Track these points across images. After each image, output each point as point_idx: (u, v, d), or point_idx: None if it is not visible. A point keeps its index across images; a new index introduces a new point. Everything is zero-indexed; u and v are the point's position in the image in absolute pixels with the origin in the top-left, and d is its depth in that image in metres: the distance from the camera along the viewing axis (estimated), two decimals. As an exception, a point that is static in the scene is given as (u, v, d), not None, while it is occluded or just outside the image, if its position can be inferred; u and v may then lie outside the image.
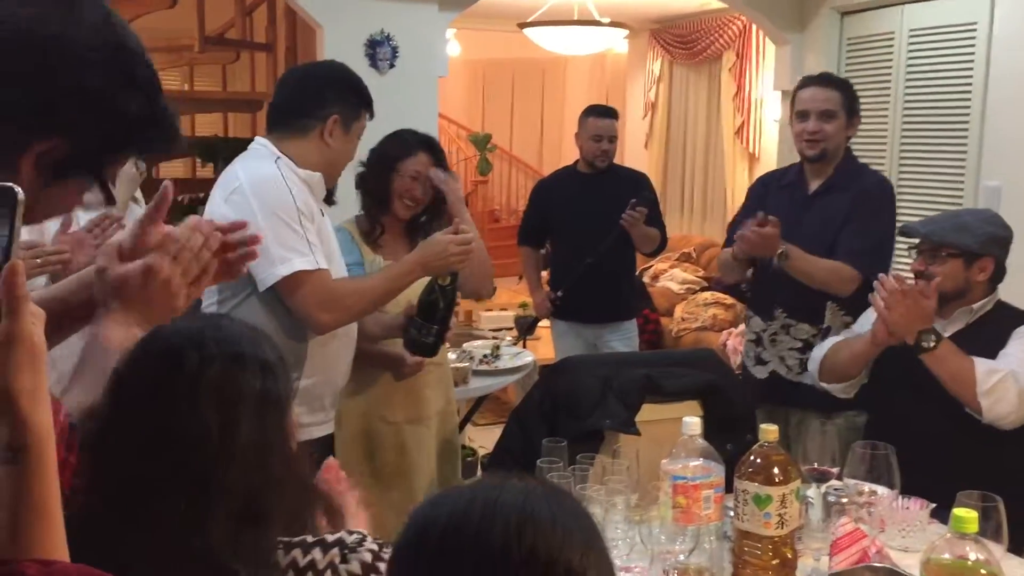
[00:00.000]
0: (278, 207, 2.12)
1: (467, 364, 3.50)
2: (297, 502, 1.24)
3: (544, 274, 4.38)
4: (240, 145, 2.39)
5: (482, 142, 9.59)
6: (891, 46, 4.28)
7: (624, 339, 4.15)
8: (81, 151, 0.93)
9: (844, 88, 2.95)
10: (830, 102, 2.88)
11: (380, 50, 3.91)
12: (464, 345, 3.77)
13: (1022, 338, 2.36)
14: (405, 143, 2.67)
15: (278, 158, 2.23)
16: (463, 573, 0.85)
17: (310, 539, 1.21)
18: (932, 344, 2.28)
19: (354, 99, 2.30)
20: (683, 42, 7.73)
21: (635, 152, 8.53)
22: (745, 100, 7.01)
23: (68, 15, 0.90)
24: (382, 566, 1.19)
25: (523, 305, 5.20)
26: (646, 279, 6.63)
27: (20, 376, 0.73)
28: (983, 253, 2.38)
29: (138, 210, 3.36)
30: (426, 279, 2.40)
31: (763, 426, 1.84)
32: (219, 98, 5.33)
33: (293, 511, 1.23)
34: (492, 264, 2.94)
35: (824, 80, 2.97)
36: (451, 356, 3.33)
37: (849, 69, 4.56)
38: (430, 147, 2.68)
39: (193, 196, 4.71)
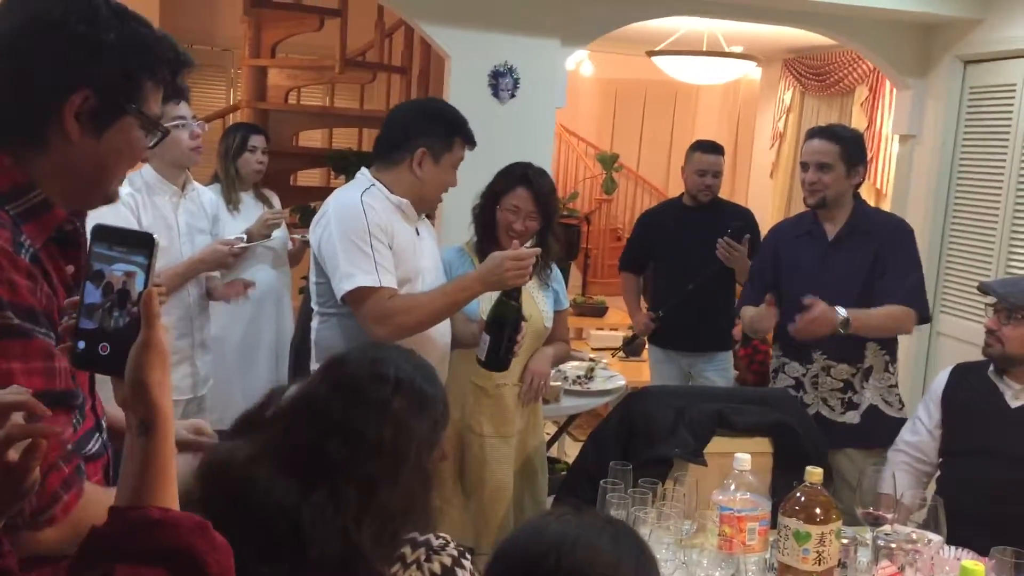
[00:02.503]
0: (351, 230, 2.37)
1: (559, 383, 3.68)
2: (425, 511, 1.44)
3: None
4: (370, 159, 2.63)
5: (609, 161, 9.73)
6: (1012, 99, 4.23)
7: (719, 370, 4.23)
8: (104, 94, 1.18)
9: (843, 140, 3.04)
10: (827, 155, 3.00)
11: (502, 81, 4.14)
12: (559, 365, 3.95)
13: None
14: (506, 178, 2.83)
15: (371, 186, 2.47)
16: None
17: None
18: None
19: (443, 131, 2.48)
20: (816, 73, 7.69)
21: (760, 181, 8.52)
22: (875, 136, 6.94)
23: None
24: (459, 572, 1.39)
25: (631, 326, 5.36)
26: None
27: (153, 372, 0.97)
28: (1058, 320, 2.42)
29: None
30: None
31: (808, 468, 1.98)
32: (355, 115, 5.70)
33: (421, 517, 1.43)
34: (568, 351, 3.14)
35: (825, 133, 3.09)
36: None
37: (970, 119, 4.53)
38: (529, 181, 2.81)
39: (325, 204, 5.07)
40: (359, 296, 2.37)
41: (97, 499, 1.17)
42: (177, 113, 2.94)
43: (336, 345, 2.31)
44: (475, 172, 3.59)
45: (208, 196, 3.34)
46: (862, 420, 3.04)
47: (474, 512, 2.87)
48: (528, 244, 2.85)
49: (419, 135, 2.47)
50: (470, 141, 2.54)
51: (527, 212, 2.80)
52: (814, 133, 3.11)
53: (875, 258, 3.01)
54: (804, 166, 3.06)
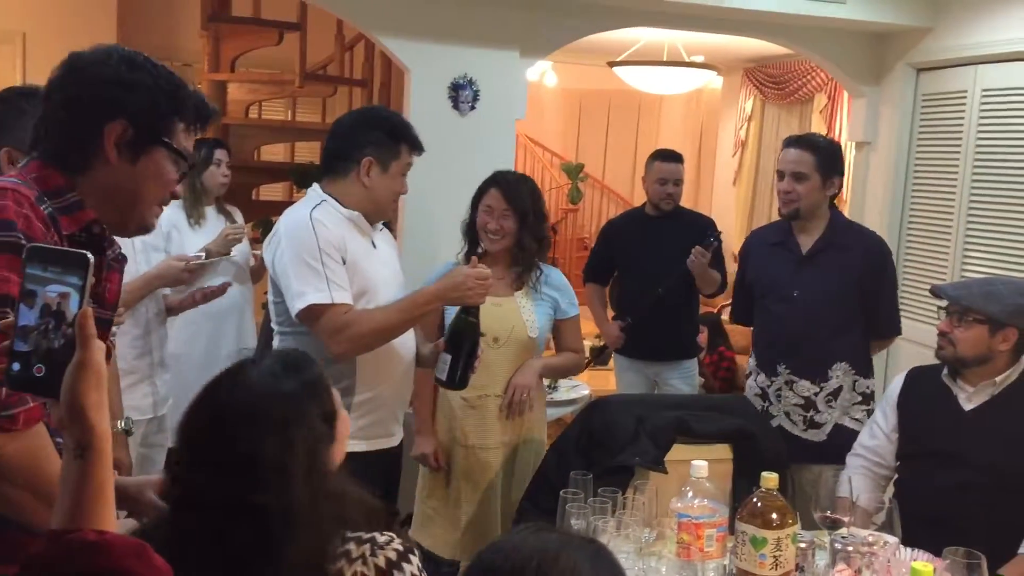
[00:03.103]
0: (301, 248, 2.36)
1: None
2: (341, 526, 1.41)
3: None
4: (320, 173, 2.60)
5: (574, 171, 9.78)
6: (963, 105, 4.30)
7: (684, 377, 4.25)
8: (139, 126, 1.41)
9: (819, 150, 3.01)
10: (802, 164, 2.99)
11: (462, 93, 4.14)
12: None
13: None
14: (482, 185, 2.90)
15: (322, 201, 2.46)
16: None
17: (349, 533, 1.40)
18: None
19: (388, 140, 2.47)
20: (775, 82, 7.79)
21: (723, 189, 8.60)
22: (834, 143, 7.03)
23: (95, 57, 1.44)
24: (405, 566, 1.38)
25: (599, 336, 5.38)
26: (724, 316, 6.70)
27: (88, 393, 0.96)
28: (1008, 323, 2.45)
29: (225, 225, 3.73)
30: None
31: (764, 474, 1.99)
32: (317, 129, 5.67)
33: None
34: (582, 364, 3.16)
35: (802, 142, 3.07)
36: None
37: (923, 125, 4.60)
38: (498, 181, 2.87)
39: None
40: (313, 314, 2.35)
41: (54, 455, 1.26)
42: None
43: (313, 352, 2.30)
44: (436, 183, 3.63)
45: (163, 214, 3.31)
46: (828, 438, 3.05)
47: (463, 523, 2.87)
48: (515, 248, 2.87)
49: (364, 145, 2.46)
50: (416, 147, 2.53)
51: (500, 211, 2.82)
52: (791, 142, 3.10)
53: (858, 274, 3.01)
54: (780, 175, 3.05)
